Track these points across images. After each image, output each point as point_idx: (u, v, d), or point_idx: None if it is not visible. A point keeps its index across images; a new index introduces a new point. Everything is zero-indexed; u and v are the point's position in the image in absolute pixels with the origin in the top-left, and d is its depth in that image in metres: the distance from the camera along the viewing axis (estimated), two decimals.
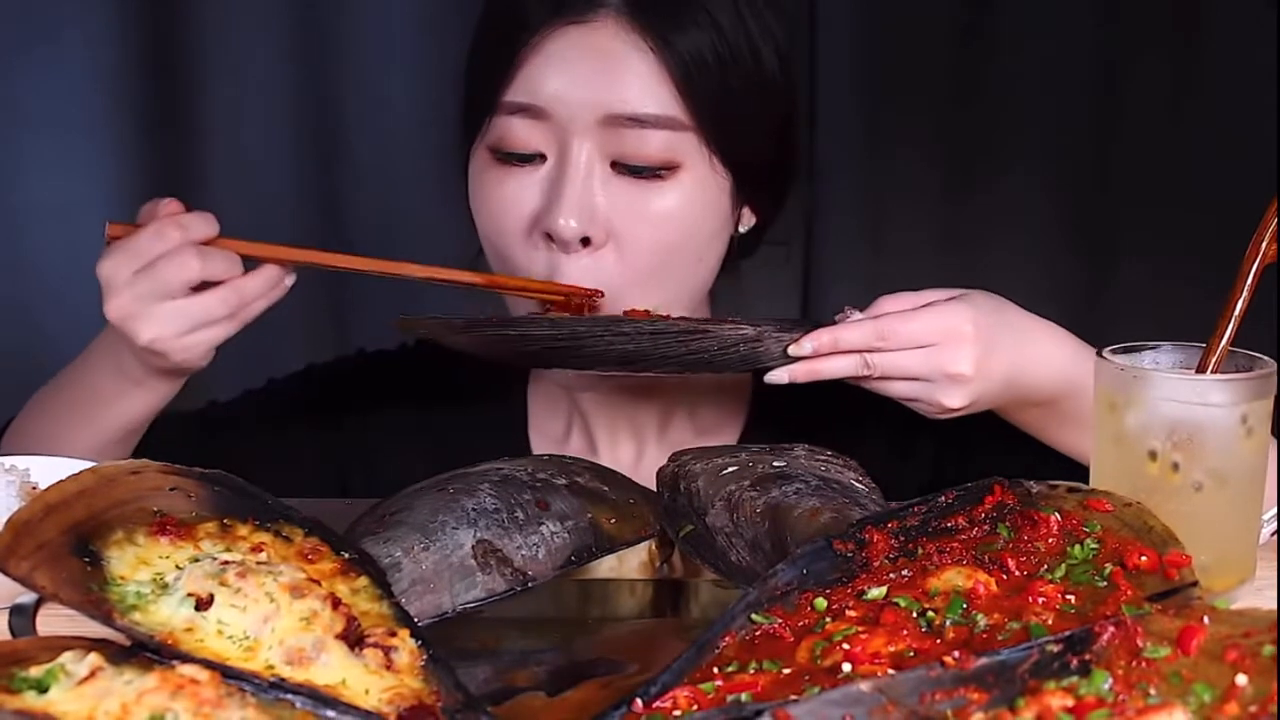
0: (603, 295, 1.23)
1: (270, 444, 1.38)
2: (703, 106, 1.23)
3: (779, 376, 1.14)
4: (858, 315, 1.14)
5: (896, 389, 1.14)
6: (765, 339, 1.13)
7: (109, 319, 1.18)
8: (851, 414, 1.25)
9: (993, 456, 1.13)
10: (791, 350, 1.13)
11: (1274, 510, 1.08)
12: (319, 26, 2.11)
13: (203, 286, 1.18)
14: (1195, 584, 0.87)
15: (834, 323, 1.13)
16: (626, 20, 1.22)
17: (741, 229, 1.33)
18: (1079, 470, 1.12)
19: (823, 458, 1.10)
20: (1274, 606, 0.79)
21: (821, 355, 1.12)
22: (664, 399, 1.37)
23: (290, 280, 1.23)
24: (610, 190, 1.23)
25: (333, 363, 1.50)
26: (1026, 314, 1.18)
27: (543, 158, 1.24)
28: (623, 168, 1.23)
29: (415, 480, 1.06)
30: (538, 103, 1.23)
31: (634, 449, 1.38)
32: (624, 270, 1.24)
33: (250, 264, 1.21)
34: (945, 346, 1.12)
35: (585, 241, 1.23)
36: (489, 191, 1.27)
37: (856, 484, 1.07)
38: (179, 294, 1.17)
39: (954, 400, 1.14)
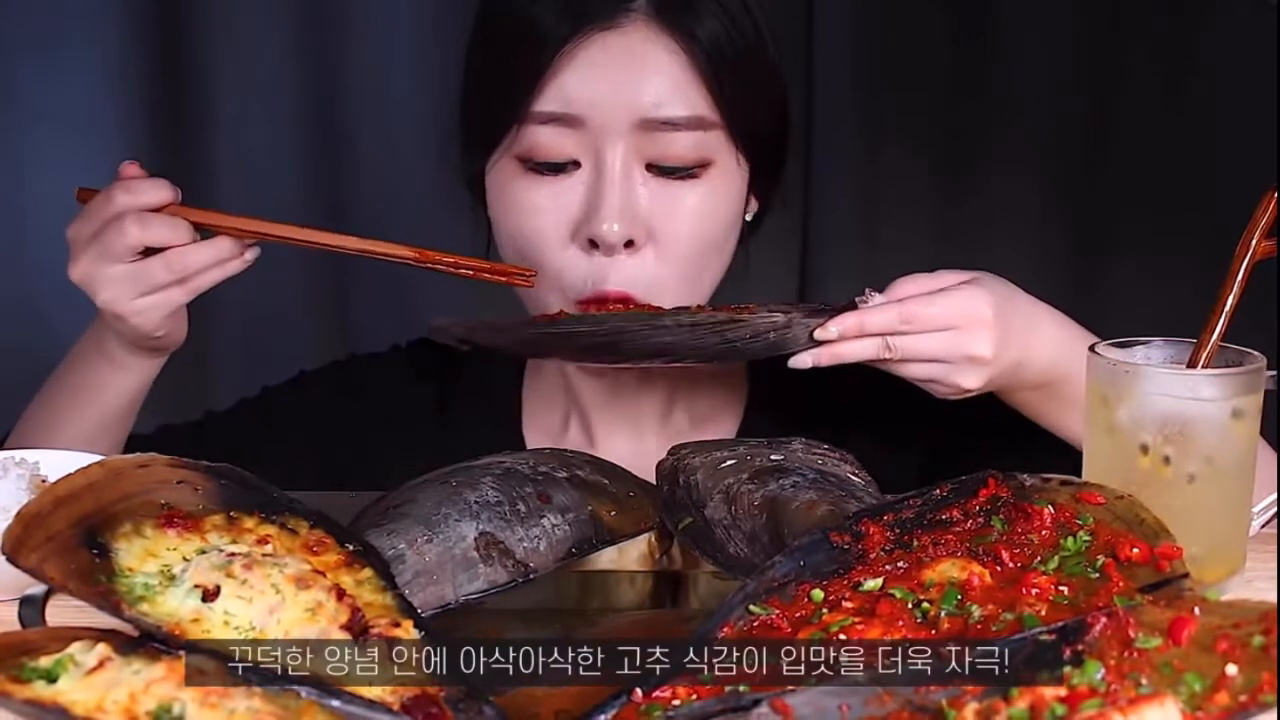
0: (535, 274, 1.23)
1: (268, 452, 1.39)
2: (729, 102, 1.24)
3: (803, 361, 1.15)
4: (879, 298, 1.14)
5: (915, 371, 1.15)
6: (794, 325, 1.14)
7: (71, 279, 1.19)
8: (846, 404, 1.26)
9: (986, 448, 1.14)
10: (818, 334, 1.13)
11: (1272, 497, 1.08)
12: (326, 28, 2.11)
13: (156, 252, 1.18)
14: (1186, 575, 0.88)
15: (855, 306, 1.14)
16: (655, 22, 1.22)
17: (748, 217, 1.35)
18: (1072, 464, 1.13)
19: (820, 451, 1.11)
20: (1263, 598, 0.80)
21: (845, 339, 1.13)
22: (661, 391, 1.37)
23: (252, 255, 1.21)
24: (648, 191, 1.24)
25: (325, 368, 1.50)
26: (1031, 298, 1.19)
27: (576, 164, 1.24)
28: (657, 169, 1.24)
29: (411, 480, 1.07)
30: (572, 111, 1.22)
31: (631, 441, 1.38)
32: (664, 268, 1.25)
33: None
34: (966, 330, 1.13)
35: (628, 244, 1.23)
36: (521, 201, 1.26)
37: (853, 477, 1.08)
38: (124, 258, 1.17)
39: (971, 382, 1.15)
